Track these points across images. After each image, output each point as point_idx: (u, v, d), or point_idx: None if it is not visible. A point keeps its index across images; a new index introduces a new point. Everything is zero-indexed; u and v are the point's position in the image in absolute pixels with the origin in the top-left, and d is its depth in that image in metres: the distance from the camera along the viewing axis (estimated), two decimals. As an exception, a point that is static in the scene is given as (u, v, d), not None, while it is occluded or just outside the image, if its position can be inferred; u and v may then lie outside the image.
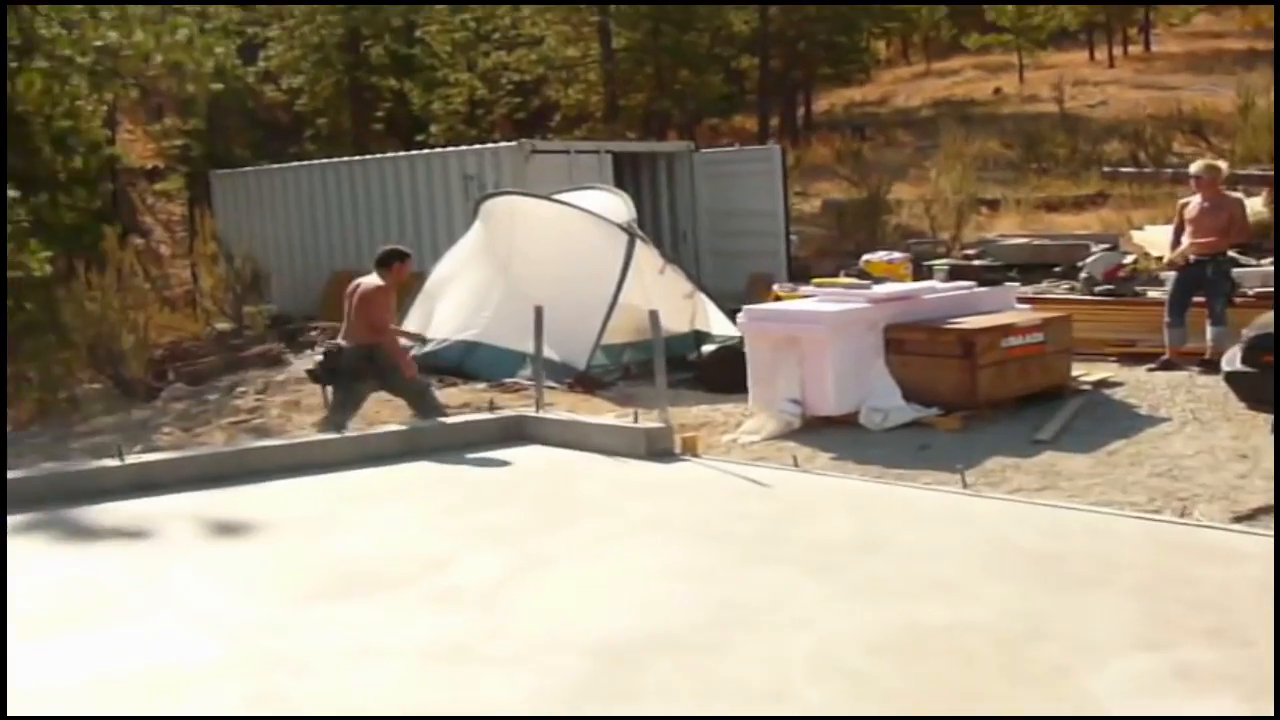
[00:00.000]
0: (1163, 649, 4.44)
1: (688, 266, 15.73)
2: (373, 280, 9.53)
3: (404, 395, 9.82)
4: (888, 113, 41.19)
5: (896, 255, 10.86)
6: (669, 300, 12.61)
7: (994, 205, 20.73)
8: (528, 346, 10.39)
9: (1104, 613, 4.86)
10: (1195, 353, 11.49)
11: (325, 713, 4.21)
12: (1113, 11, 45.22)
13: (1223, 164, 12.00)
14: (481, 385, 12.29)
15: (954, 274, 10.93)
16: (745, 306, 10.68)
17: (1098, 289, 13.18)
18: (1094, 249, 16.07)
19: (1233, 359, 9.27)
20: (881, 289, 10.21)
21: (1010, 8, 44.54)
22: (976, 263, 11.40)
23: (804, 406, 9.72)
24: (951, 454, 8.79)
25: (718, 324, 13.01)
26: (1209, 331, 11.34)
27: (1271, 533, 6.11)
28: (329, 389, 9.80)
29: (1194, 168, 11.68)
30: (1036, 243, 16.40)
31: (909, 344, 9.84)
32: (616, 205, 12.81)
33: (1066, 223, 19.53)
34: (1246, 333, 9.20)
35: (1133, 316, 12.47)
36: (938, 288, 10.59)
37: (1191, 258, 11.39)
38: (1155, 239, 16.33)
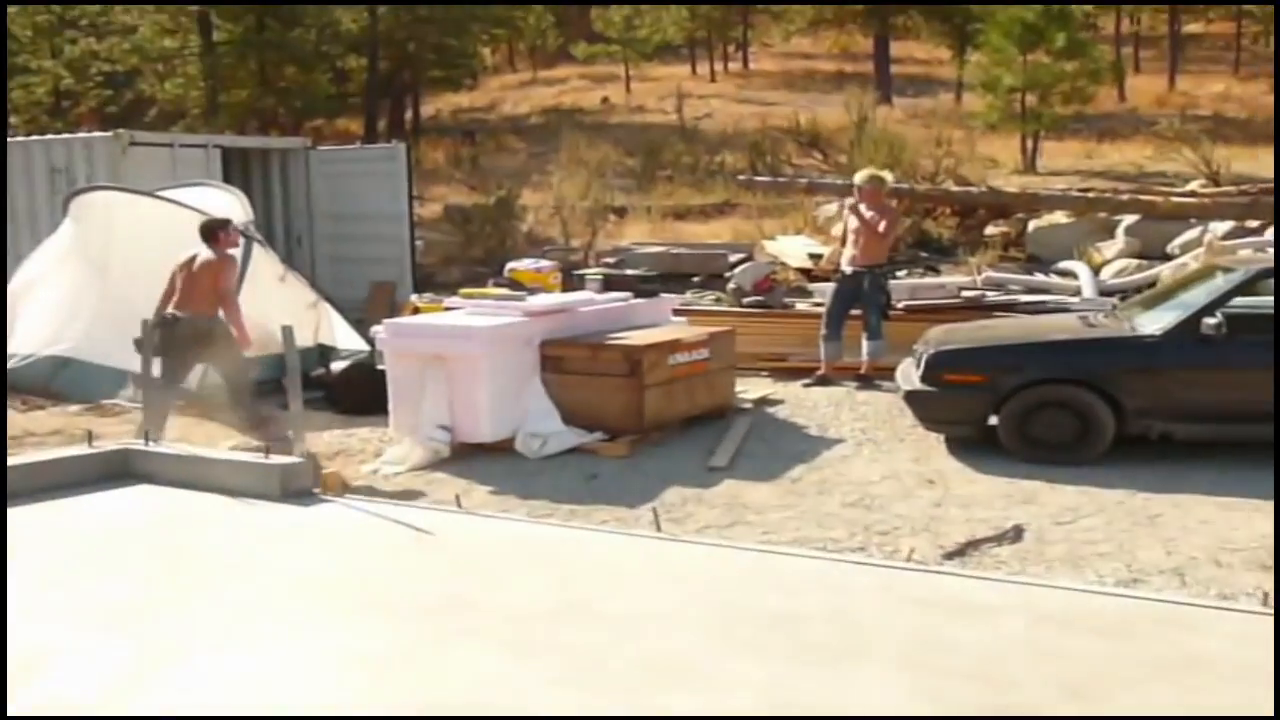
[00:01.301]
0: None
1: (303, 272, 14.26)
2: (209, 253, 9.03)
3: (228, 376, 9.06)
4: (496, 119, 41.02)
5: (544, 264, 9.93)
6: (291, 311, 11.19)
7: (621, 213, 20.21)
8: (131, 363, 8.84)
9: (875, 693, 4.05)
10: (850, 368, 11.14)
11: None
12: (714, 28, 46.95)
13: (887, 174, 11.70)
14: (75, 408, 10.52)
15: (608, 284, 10.07)
16: (385, 320, 9.49)
17: (747, 300, 12.70)
18: (731, 259, 15.76)
19: (909, 376, 8.82)
20: (537, 301, 9.24)
21: (618, 19, 45.36)
22: (630, 272, 10.60)
23: (454, 433, 8.63)
24: (623, 485, 7.94)
25: (343, 337, 11.69)
26: (865, 346, 11.02)
27: (1011, 578, 5.53)
28: (157, 360, 8.79)
29: (859, 177, 11.32)
30: (674, 251, 15.94)
31: (568, 362, 8.92)
32: (231, 205, 11.29)
33: (696, 231, 19.22)
34: (923, 349, 8.75)
35: (784, 329, 12.05)
36: (595, 299, 9.72)
37: (848, 269, 11.01)
38: (788, 249, 16.16)
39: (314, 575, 5.61)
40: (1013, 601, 5.01)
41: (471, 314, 9.15)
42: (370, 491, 7.81)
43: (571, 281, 10.59)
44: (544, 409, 8.84)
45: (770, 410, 10.08)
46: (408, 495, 7.77)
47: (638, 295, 10.17)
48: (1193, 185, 17.70)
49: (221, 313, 8.96)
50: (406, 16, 36.92)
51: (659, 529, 6.51)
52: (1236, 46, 47.39)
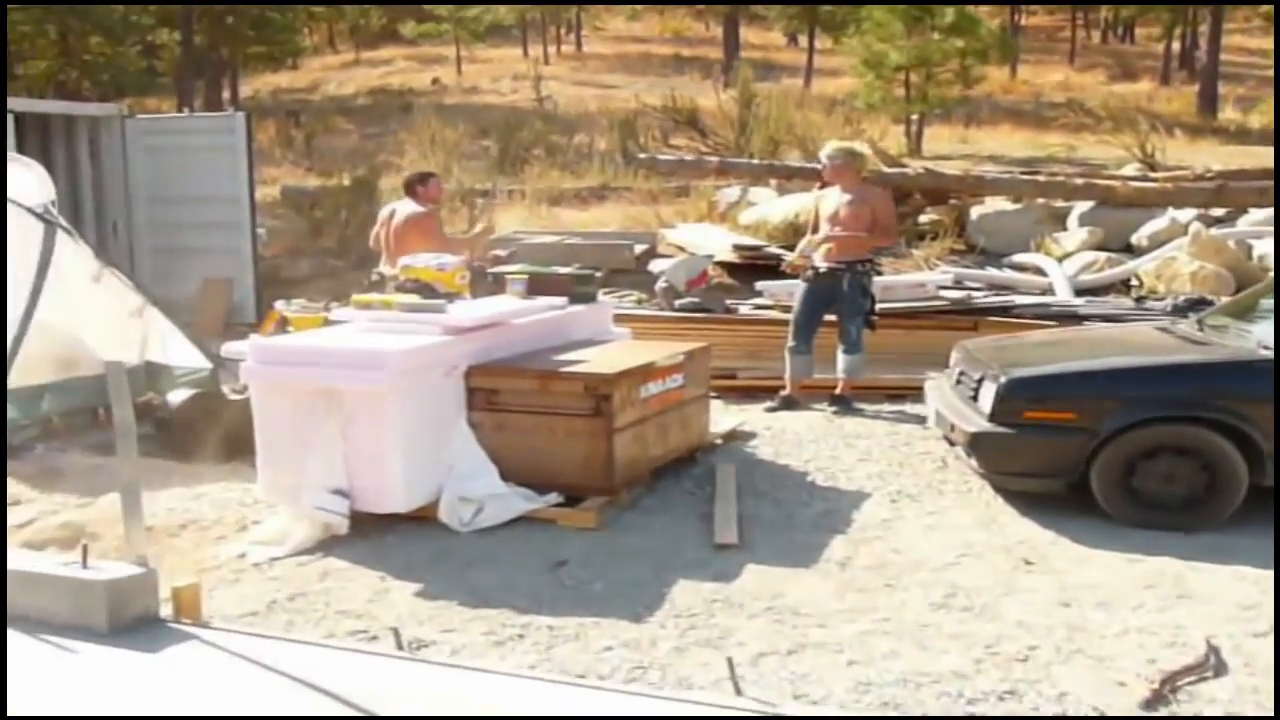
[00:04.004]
0: None
1: (120, 267, 11.38)
2: (410, 205, 8.97)
3: None
4: (320, 100, 38.64)
5: (448, 259, 7.45)
6: (109, 320, 8.62)
7: (487, 197, 17.71)
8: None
9: None
10: (822, 387, 8.98)
11: None
12: (547, 9, 45.78)
13: (864, 147, 9.50)
14: None
15: (534, 286, 7.69)
16: (253, 342, 6.92)
17: (680, 303, 10.41)
18: (637, 249, 13.47)
19: (963, 413, 6.64)
20: (460, 312, 6.81)
21: None
22: (562, 270, 8.20)
23: (353, 499, 6.16)
24: (606, 575, 5.62)
25: (179, 353, 9.01)
26: (840, 360, 8.86)
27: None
28: None
29: (827, 151, 9.09)
30: (569, 241, 13.56)
31: (507, 396, 6.53)
32: (26, 182, 8.51)
33: (579, 218, 16.85)
34: (992, 373, 6.55)
35: (730, 338, 9.79)
36: (530, 309, 7.33)
37: (822, 265, 8.82)
38: (693, 239, 13.93)
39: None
40: None
41: (370, 331, 6.67)
42: (239, 595, 5.35)
43: (483, 282, 8.20)
44: (475, 463, 6.44)
45: (748, 448, 7.82)
46: (296, 608, 5.31)
47: (573, 299, 7.82)
48: (1127, 170, 16.00)
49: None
50: (225, -15, 33.85)
51: (738, 688, 4.19)
52: (1073, 39, 47.56)
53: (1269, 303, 7.23)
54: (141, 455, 5.59)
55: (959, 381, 7.00)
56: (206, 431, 7.72)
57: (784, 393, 9.01)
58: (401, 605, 5.30)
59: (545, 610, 5.19)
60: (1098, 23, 53.00)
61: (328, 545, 6.04)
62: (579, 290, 7.95)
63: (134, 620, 4.49)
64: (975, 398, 6.60)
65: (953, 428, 6.62)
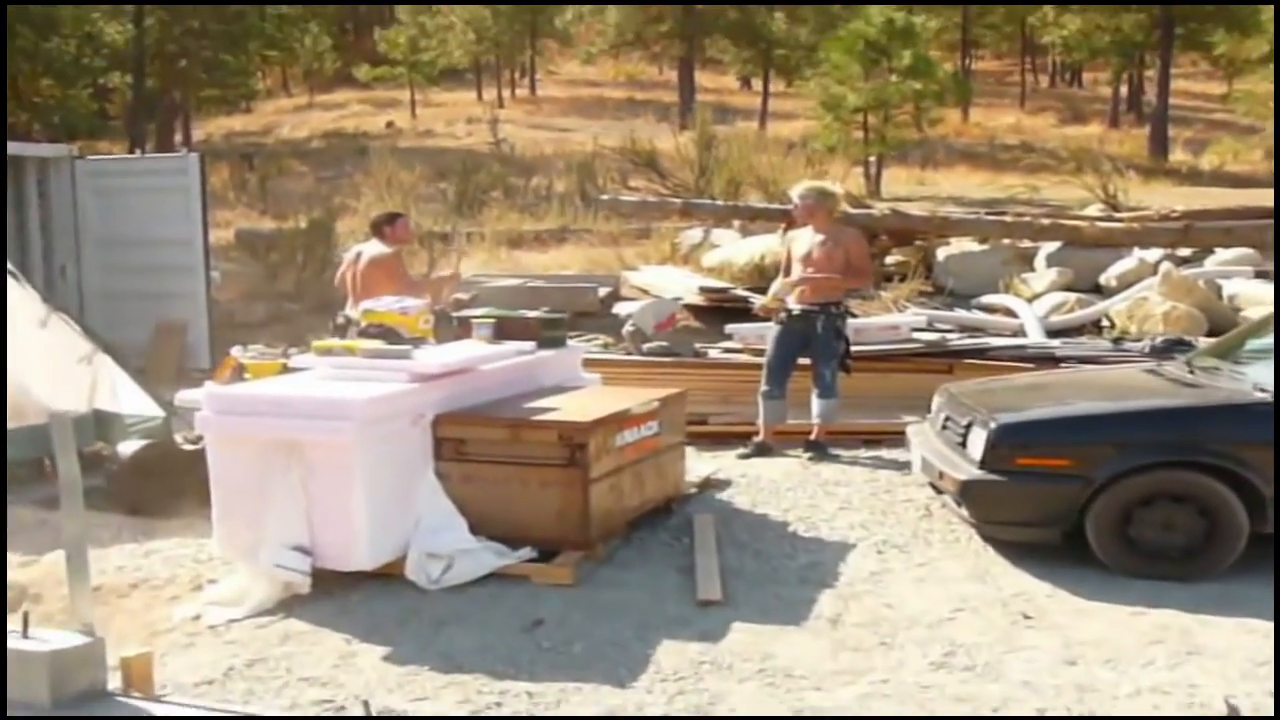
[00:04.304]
0: None
1: (69, 312, 10.99)
2: (374, 247, 8.62)
3: None
4: (274, 143, 38.48)
5: (411, 302, 7.16)
6: (56, 365, 8.25)
7: (447, 239, 17.41)
8: None
9: None
10: (797, 432, 8.73)
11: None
12: (502, 52, 45.99)
13: (836, 187, 9.27)
14: None
15: (501, 331, 7.40)
16: (209, 390, 6.59)
17: (648, 346, 10.15)
18: (601, 292, 13.21)
19: (951, 460, 6.40)
20: (427, 358, 6.51)
21: (403, 40, 43.69)
22: (530, 314, 7.92)
23: (315, 556, 5.83)
24: (585, 636, 5.31)
25: (129, 400, 8.64)
26: (815, 405, 8.61)
27: None
28: None
29: (799, 190, 8.87)
30: (532, 285, 13.28)
31: (476, 446, 6.23)
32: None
33: (540, 261, 16.60)
34: (981, 418, 6.30)
35: (701, 383, 9.50)
36: (498, 354, 7.03)
37: (795, 307, 8.58)
38: (657, 282, 13.70)
39: None
40: None
41: (332, 378, 6.35)
42: (193, 661, 5.01)
43: (448, 327, 7.91)
44: (443, 516, 6.12)
45: (724, 496, 7.54)
46: (255, 675, 4.97)
47: (542, 344, 7.53)
48: (1090, 211, 15.92)
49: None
50: (177, 28, 33.42)
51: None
52: (1022, 83, 48.15)
53: (1257, 343, 7.07)
54: (90, 509, 5.26)
55: (945, 427, 6.74)
56: (159, 484, 7.36)
57: (757, 439, 8.75)
58: (369, 671, 4.97)
59: (523, 675, 4.88)
60: (1045, 67, 53.67)
61: (288, 605, 5.70)
62: (548, 335, 7.67)
63: (79, 695, 4.13)
64: (964, 444, 6.35)
65: (941, 475, 6.36)
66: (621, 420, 6.45)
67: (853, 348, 8.88)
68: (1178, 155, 34.53)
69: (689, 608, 5.66)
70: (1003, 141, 37.50)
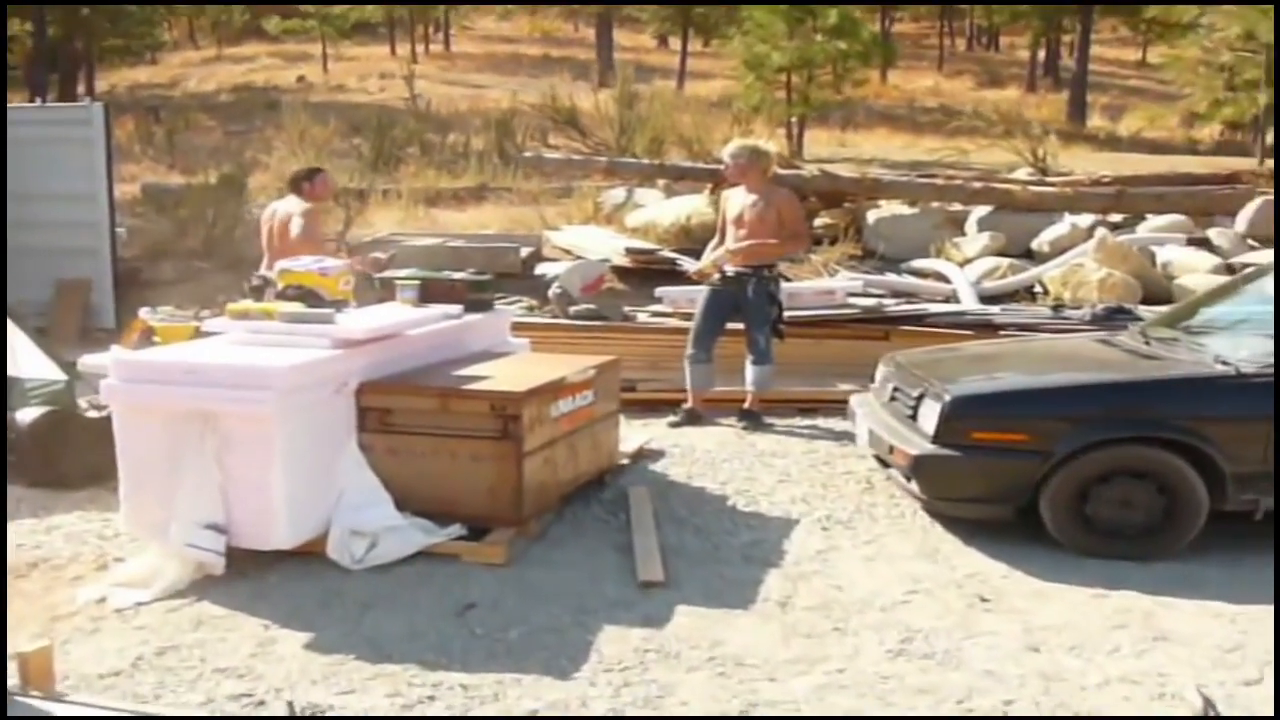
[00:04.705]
0: None
1: (-39, 270, 10.42)
2: (293, 204, 8.38)
3: None
4: (180, 96, 37.48)
5: (331, 263, 6.77)
6: (-52, 330, 7.76)
7: (362, 196, 16.87)
8: None
9: None
10: (730, 400, 8.46)
11: None
12: (415, 8, 45.22)
13: (770, 146, 8.94)
14: None
15: (427, 293, 7.02)
16: (115, 355, 6.14)
17: (574, 310, 9.80)
18: (523, 252, 12.82)
19: (901, 433, 6.13)
20: (350, 322, 6.13)
21: None
22: (456, 275, 7.53)
23: (230, 534, 5.45)
24: (520, 621, 4.99)
25: (30, 364, 8.14)
26: (749, 372, 8.34)
27: None
28: None
29: (730, 149, 8.56)
30: (451, 244, 12.86)
31: (402, 417, 5.86)
32: None
33: (458, 220, 16.10)
34: (934, 390, 6.05)
35: (629, 348, 9.16)
36: (424, 318, 6.65)
37: (727, 269, 8.29)
38: (580, 242, 13.33)
39: None
40: None
41: (249, 344, 5.94)
42: (98, 649, 4.62)
43: (374, 288, 7.52)
44: (367, 491, 5.76)
45: (658, 468, 7.25)
46: (166, 665, 4.60)
47: (469, 308, 7.16)
48: (1018, 175, 15.76)
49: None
50: (80, -26, 32.39)
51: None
52: (940, 46, 48.20)
53: (1212, 312, 6.89)
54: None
55: (893, 398, 6.48)
56: (60, 453, 6.91)
57: (686, 405, 8.47)
58: (290, 660, 4.61)
59: (456, 665, 4.55)
60: (963, 30, 53.75)
61: (202, 587, 5.32)
62: (475, 297, 7.30)
63: (-29, 696, 3.75)
64: (914, 417, 6.10)
65: (891, 449, 6.10)
66: (557, 389, 6.12)
67: (786, 313, 8.62)
68: (1095, 120, 34.67)
69: (629, 589, 5.36)
70: (922, 104, 37.46)
